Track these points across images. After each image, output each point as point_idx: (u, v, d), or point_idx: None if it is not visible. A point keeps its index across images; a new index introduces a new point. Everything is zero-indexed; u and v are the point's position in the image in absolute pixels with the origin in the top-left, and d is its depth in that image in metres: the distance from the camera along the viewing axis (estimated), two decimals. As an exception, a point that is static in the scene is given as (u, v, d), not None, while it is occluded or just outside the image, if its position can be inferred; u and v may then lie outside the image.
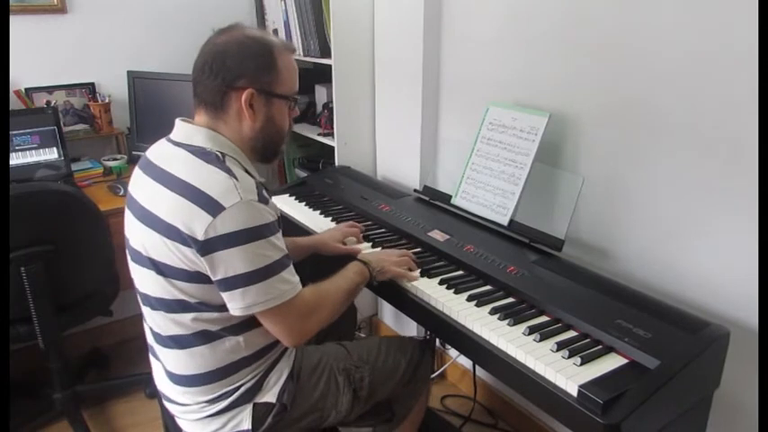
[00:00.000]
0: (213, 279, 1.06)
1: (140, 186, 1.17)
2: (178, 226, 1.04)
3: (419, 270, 1.42)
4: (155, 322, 1.17)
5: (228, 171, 1.07)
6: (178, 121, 1.19)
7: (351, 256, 1.41)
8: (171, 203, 1.06)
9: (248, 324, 1.15)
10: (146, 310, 1.19)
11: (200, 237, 1.02)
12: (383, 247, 1.55)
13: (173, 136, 1.18)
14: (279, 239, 1.11)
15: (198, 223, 1.02)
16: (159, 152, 1.18)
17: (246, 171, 1.15)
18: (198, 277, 1.07)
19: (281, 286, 1.09)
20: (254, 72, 1.13)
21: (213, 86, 1.13)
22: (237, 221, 1.03)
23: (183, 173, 1.08)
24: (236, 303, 1.08)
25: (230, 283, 1.06)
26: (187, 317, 1.12)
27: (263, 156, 1.23)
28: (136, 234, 1.14)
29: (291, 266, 1.13)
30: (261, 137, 1.19)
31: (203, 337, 1.14)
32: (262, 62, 1.14)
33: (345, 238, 1.57)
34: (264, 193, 1.12)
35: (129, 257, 1.21)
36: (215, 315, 1.12)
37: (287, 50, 1.19)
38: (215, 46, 1.14)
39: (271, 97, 1.17)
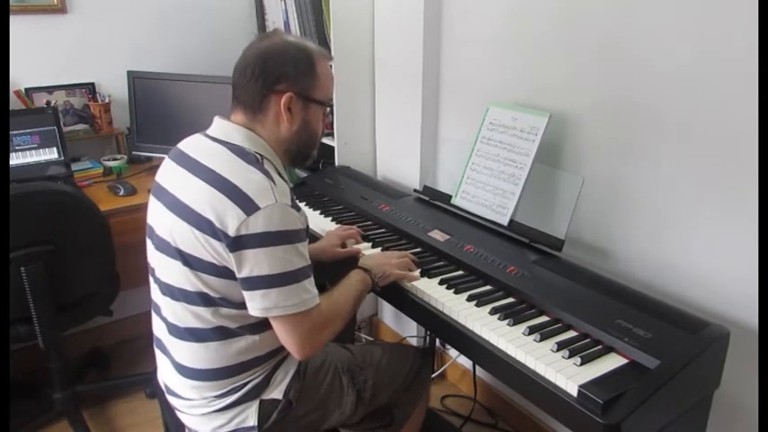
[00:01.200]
0: (238, 276, 1.08)
1: (171, 176, 1.18)
2: (210, 217, 1.06)
3: (419, 270, 1.42)
4: (174, 313, 1.17)
5: (266, 173, 1.10)
6: (217, 119, 1.22)
7: (352, 258, 1.41)
8: (204, 194, 1.08)
9: (266, 324, 1.15)
10: (165, 301, 1.19)
11: (232, 233, 1.04)
12: (383, 248, 1.55)
13: (210, 132, 1.20)
14: (305, 249, 1.12)
15: (231, 218, 1.04)
16: (195, 145, 1.20)
17: (280, 175, 1.17)
18: (224, 272, 1.09)
19: (303, 295, 1.10)
20: (294, 76, 1.17)
21: (254, 89, 1.16)
22: (270, 223, 1.05)
23: (219, 168, 1.10)
24: (255, 304, 1.09)
25: (253, 283, 1.07)
26: (208, 311, 1.13)
27: (295, 159, 1.26)
28: (164, 223, 1.15)
29: (312, 278, 1.13)
30: (296, 140, 1.22)
31: (221, 333, 1.15)
32: (302, 67, 1.18)
33: (345, 241, 1.58)
34: (296, 201, 1.14)
35: (152, 246, 1.21)
36: (234, 312, 1.13)
37: (324, 57, 1.23)
38: (257, 50, 1.17)
39: (308, 102, 1.20)
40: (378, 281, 1.33)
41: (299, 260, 1.09)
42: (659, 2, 1.30)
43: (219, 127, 1.20)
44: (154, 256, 1.21)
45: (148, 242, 1.23)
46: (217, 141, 1.17)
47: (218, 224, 1.05)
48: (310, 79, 1.19)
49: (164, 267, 1.17)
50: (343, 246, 1.56)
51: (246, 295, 1.09)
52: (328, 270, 1.43)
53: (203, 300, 1.12)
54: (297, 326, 1.11)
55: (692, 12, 1.25)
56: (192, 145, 1.21)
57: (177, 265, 1.12)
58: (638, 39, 1.36)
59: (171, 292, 1.16)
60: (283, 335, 1.13)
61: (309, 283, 1.12)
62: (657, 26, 1.32)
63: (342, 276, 1.31)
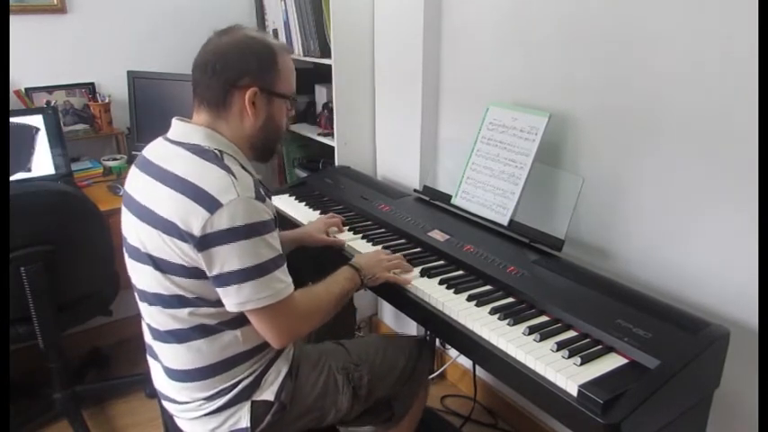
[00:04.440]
0: (209, 275, 1.08)
1: (138, 184, 1.18)
2: (176, 222, 1.05)
3: (412, 272, 1.41)
4: (152, 318, 1.18)
5: (226, 168, 1.09)
6: (175, 121, 1.21)
7: (333, 250, 1.44)
8: (169, 200, 1.08)
9: (246, 319, 1.15)
10: (143, 306, 1.20)
11: (197, 233, 1.04)
12: (383, 247, 1.55)
13: (170, 135, 1.20)
14: (274, 239, 1.12)
15: (195, 219, 1.04)
16: (156, 151, 1.19)
17: (244, 168, 1.16)
18: (196, 273, 1.09)
19: (276, 285, 1.10)
20: (256, 71, 1.16)
21: (216, 86, 1.15)
22: (234, 218, 1.04)
23: (180, 170, 1.10)
24: (230, 299, 1.09)
25: (225, 279, 1.07)
26: (184, 311, 1.13)
27: (261, 154, 1.26)
28: (133, 231, 1.15)
29: (285, 267, 1.14)
30: (261, 135, 1.21)
31: (201, 331, 1.15)
32: (264, 61, 1.17)
33: (328, 229, 1.61)
34: (262, 191, 1.14)
35: (126, 255, 1.21)
36: (212, 310, 1.13)
37: (285, 51, 1.22)
38: (217, 46, 1.16)
39: (272, 96, 1.20)
40: (367, 282, 1.34)
41: (268, 251, 1.09)
42: (659, 2, 1.30)
43: (178, 129, 1.19)
44: (130, 265, 1.21)
45: (124, 251, 1.23)
46: (176, 144, 1.16)
47: (183, 226, 1.05)
48: (273, 73, 1.18)
49: (138, 274, 1.18)
50: (327, 234, 1.60)
51: (220, 292, 1.09)
52: (313, 258, 1.44)
53: (179, 302, 1.12)
54: (273, 316, 1.12)
55: (692, 12, 1.25)
56: (153, 150, 1.20)
57: (149, 269, 1.12)
58: (638, 39, 1.36)
59: (146, 297, 1.17)
60: (260, 326, 1.14)
61: (282, 273, 1.12)
62: (657, 26, 1.32)
63: (325, 272, 1.32)
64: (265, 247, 1.09)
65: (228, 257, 1.05)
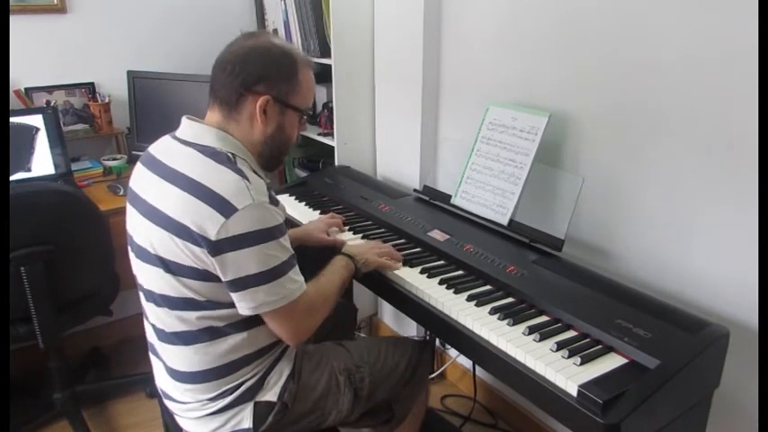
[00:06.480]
0: (223, 279, 1.07)
1: (145, 183, 1.17)
2: (188, 224, 1.05)
3: (401, 261, 1.46)
4: (159, 319, 1.17)
5: (240, 172, 1.08)
6: (185, 119, 1.19)
7: (335, 247, 1.46)
8: (180, 201, 1.07)
9: (253, 321, 1.15)
10: (149, 307, 1.19)
11: (213, 237, 1.03)
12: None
13: (179, 134, 1.18)
14: (286, 240, 1.13)
15: (210, 224, 1.03)
16: (165, 149, 1.18)
17: (255, 172, 1.16)
18: (207, 276, 1.09)
19: (290, 286, 1.11)
20: (274, 79, 1.16)
21: (231, 86, 1.15)
22: (250, 223, 1.05)
23: (193, 172, 1.09)
24: (246, 303, 1.09)
25: (241, 284, 1.07)
26: (193, 314, 1.13)
27: (267, 163, 1.25)
28: (142, 231, 1.14)
29: (297, 266, 1.15)
30: (269, 143, 1.21)
31: (208, 334, 1.15)
32: (284, 72, 1.17)
33: (329, 229, 1.62)
34: (273, 194, 1.14)
35: (132, 254, 1.21)
36: (223, 312, 1.13)
37: (308, 65, 1.22)
38: (241, 48, 1.16)
39: (285, 107, 1.19)
40: (360, 267, 1.36)
41: (282, 253, 1.10)
42: (659, 2, 1.30)
43: (189, 128, 1.17)
44: (136, 265, 1.20)
45: (129, 250, 1.22)
46: (186, 144, 1.15)
47: (196, 230, 1.04)
48: (291, 85, 1.18)
49: (145, 275, 1.17)
50: (327, 234, 1.60)
51: (235, 297, 1.09)
52: (312, 258, 1.45)
53: (189, 304, 1.12)
54: (287, 316, 1.13)
55: (691, 11, 1.25)
56: (162, 149, 1.19)
57: (159, 272, 1.12)
58: (637, 39, 1.36)
59: (153, 298, 1.16)
60: (276, 327, 1.14)
61: (294, 273, 1.13)
62: (657, 26, 1.32)
63: (325, 263, 1.33)
64: (280, 250, 1.09)
65: (244, 262, 1.05)
